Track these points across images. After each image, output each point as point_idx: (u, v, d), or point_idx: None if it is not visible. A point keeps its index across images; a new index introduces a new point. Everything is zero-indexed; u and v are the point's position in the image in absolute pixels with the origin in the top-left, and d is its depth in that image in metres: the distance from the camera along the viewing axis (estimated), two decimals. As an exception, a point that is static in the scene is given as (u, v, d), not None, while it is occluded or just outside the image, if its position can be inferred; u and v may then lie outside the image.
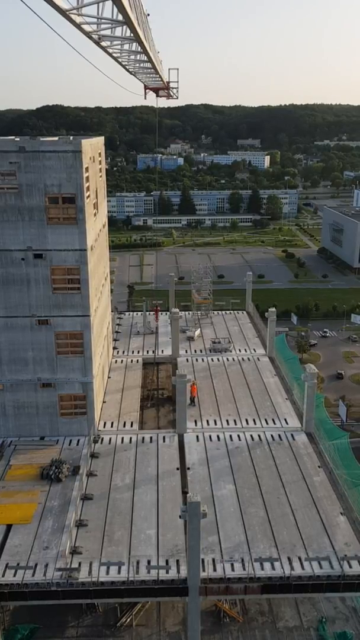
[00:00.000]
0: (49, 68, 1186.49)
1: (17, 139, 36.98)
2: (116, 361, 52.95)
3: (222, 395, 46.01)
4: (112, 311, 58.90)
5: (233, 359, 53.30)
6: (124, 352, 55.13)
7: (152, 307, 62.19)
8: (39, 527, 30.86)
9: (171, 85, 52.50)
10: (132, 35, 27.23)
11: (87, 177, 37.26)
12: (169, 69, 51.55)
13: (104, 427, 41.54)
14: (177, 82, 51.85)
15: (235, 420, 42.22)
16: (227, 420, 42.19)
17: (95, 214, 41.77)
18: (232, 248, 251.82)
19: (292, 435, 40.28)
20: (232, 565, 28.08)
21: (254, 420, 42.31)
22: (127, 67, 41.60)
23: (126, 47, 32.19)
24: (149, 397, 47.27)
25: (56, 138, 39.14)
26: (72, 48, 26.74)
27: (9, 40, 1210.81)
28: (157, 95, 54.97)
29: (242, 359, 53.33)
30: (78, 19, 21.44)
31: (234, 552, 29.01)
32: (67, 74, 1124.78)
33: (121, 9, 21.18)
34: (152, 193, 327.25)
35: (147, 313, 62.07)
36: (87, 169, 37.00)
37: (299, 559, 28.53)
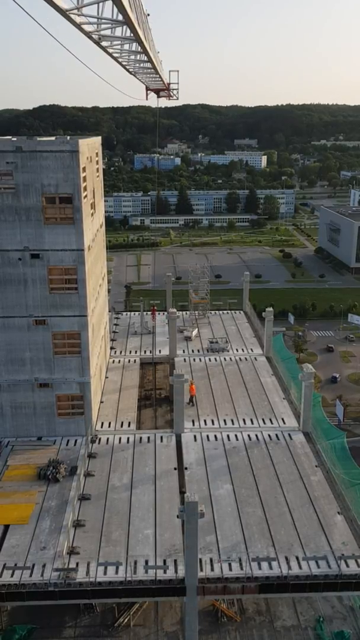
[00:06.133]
0: (46, 68, 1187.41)
1: (14, 138, 36.87)
2: (113, 361, 52.93)
3: (219, 395, 46.02)
4: (109, 311, 58.90)
5: (230, 358, 53.32)
6: (121, 352, 55.12)
7: (151, 307, 62.20)
8: (36, 527, 30.85)
9: (171, 86, 52.86)
10: (132, 35, 27.24)
11: (84, 177, 37.24)
12: (170, 71, 52.02)
13: (102, 427, 41.54)
14: (177, 83, 52.25)
15: (232, 420, 42.25)
16: (224, 420, 42.23)
17: (92, 214, 41.76)
18: (229, 248, 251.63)
19: (289, 434, 40.33)
20: (229, 564, 28.11)
21: (251, 420, 42.35)
22: (127, 67, 41.65)
23: (126, 47, 32.19)
24: (146, 397, 47.30)
25: (53, 138, 39.07)
26: (72, 54, 26.61)
27: (5, 40, 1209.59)
28: (158, 97, 55.29)
29: (240, 358, 53.36)
30: (78, 19, 21.44)
31: (232, 551, 29.02)
32: (64, 74, 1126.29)
33: (121, 9, 21.20)
34: (149, 193, 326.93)
35: (145, 313, 62.08)
36: (84, 169, 36.98)
37: (297, 558, 28.58)
